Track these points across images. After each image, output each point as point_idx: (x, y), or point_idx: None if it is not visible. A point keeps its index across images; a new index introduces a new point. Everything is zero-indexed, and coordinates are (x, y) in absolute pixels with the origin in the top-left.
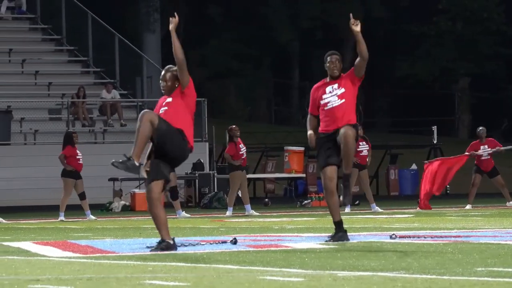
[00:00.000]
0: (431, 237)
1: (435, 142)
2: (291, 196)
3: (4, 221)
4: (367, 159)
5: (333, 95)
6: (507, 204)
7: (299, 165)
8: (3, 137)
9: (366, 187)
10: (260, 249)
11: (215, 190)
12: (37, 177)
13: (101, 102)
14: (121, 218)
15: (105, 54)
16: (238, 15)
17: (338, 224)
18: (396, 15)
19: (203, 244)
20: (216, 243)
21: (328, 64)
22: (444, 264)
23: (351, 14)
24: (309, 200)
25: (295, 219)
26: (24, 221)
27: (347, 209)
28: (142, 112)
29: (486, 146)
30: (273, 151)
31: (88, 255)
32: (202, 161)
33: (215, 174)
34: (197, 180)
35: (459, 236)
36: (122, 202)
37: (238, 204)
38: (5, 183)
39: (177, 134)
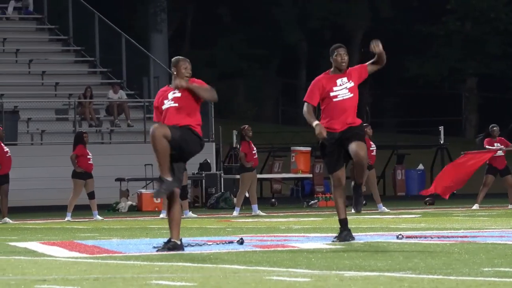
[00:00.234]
0: (438, 237)
1: (442, 142)
2: (297, 196)
3: (10, 221)
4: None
5: (343, 88)
6: (510, 206)
7: (306, 165)
8: (10, 137)
9: (374, 187)
10: (266, 249)
11: (222, 190)
12: (44, 177)
13: (108, 102)
14: (127, 218)
15: (112, 54)
16: (246, 16)
17: (343, 222)
18: (405, 16)
19: (209, 244)
20: (223, 243)
21: (335, 57)
22: (451, 264)
23: (372, 44)
24: (316, 200)
25: (301, 219)
26: (30, 221)
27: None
28: (153, 129)
29: (498, 144)
30: (280, 151)
31: (94, 255)
32: (209, 161)
33: (222, 174)
34: (203, 180)
35: (465, 236)
36: (129, 202)
37: (245, 204)
38: (11, 183)
39: (190, 134)
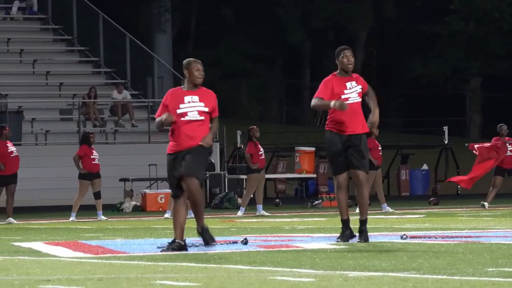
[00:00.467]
0: (442, 238)
1: (446, 142)
2: (302, 197)
3: (14, 221)
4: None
5: (353, 92)
6: None
7: (310, 166)
8: (14, 138)
9: (379, 187)
10: (270, 249)
11: (226, 191)
12: (48, 178)
13: (112, 102)
14: (132, 219)
15: (116, 55)
16: (250, 16)
17: (345, 223)
18: (408, 16)
19: (214, 245)
20: (227, 243)
21: (342, 59)
22: (455, 265)
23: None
24: (320, 201)
25: (305, 219)
26: (35, 222)
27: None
28: (191, 184)
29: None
30: (284, 151)
31: (99, 256)
32: (213, 161)
33: (226, 174)
34: (208, 181)
35: (470, 237)
36: (133, 203)
37: (249, 204)
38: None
39: (205, 156)
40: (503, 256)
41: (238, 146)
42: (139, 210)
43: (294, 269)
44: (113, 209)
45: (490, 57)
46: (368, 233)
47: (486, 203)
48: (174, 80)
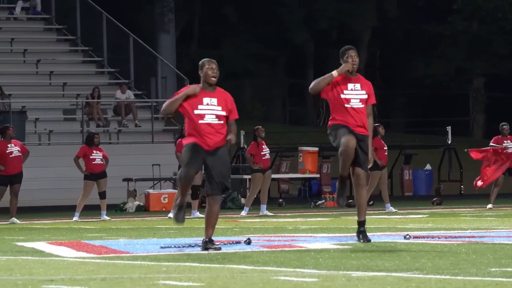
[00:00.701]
0: (445, 238)
1: (449, 142)
2: (305, 197)
3: (18, 221)
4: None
5: (356, 96)
6: None
7: (313, 166)
8: (17, 138)
9: (384, 186)
10: (274, 249)
11: (229, 191)
12: (51, 178)
13: (115, 102)
14: (135, 219)
15: (119, 55)
16: (254, 15)
17: (342, 179)
18: (412, 16)
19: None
20: (230, 243)
21: (346, 59)
22: (458, 265)
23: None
24: (323, 201)
25: (309, 219)
26: (38, 221)
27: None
28: (215, 206)
29: (509, 141)
30: (288, 152)
31: (102, 256)
32: None
33: None
34: None
35: (473, 237)
36: (136, 203)
37: (253, 204)
38: None
39: (228, 156)
40: (506, 256)
41: (242, 146)
42: (142, 210)
43: (297, 269)
44: (116, 209)
45: (493, 57)
46: (372, 233)
47: (490, 205)
48: (177, 80)
